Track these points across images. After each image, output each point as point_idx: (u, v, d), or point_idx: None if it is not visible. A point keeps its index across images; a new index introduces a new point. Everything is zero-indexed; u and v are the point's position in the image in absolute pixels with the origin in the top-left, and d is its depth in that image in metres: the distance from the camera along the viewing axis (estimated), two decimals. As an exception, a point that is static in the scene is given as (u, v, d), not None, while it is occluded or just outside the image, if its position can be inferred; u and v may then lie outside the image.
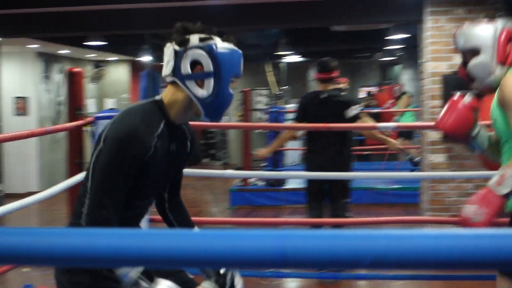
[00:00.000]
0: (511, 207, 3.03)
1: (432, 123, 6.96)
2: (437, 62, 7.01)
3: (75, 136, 4.67)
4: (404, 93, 12.42)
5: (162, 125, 2.55)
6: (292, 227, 7.24)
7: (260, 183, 10.18)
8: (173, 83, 2.58)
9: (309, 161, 6.01)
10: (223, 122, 17.54)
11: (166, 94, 2.64)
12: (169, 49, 2.59)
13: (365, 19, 8.28)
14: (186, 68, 2.51)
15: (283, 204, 9.62)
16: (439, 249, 0.76)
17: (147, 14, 7.91)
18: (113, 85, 15.55)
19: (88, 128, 4.45)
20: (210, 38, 2.59)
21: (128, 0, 7.19)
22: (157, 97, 2.65)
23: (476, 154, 3.95)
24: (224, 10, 7.69)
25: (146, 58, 12.20)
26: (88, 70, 14.67)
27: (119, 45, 12.84)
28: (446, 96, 6.96)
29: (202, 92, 2.52)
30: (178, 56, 2.54)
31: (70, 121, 4.66)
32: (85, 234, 0.95)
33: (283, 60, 14.85)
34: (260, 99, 16.26)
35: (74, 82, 4.81)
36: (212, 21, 8.40)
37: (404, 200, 9.52)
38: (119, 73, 15.61)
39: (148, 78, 11.03)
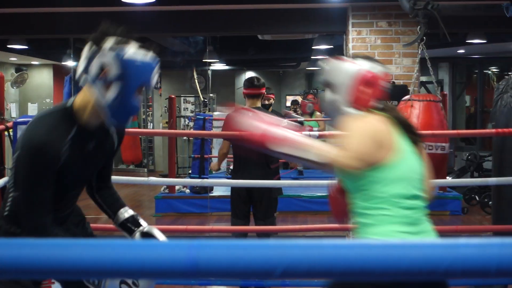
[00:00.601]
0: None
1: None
2: (361, 72, 7.14)
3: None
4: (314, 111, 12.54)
5: (74, 130, 2.55)
6: (216, 235, 7.25)
7: (187, 191, 10.15)
8: (87, 85, 2.55)
9: (236, 174, 6.01)
10: (149, 129, 17.43)
11: (79, 96, 2.61)
12: (86, 48, 2.55)
13: (291, 29, 8.36)
14: (94, 69, 2.48)
15: (208, 212, 9.61)
16: (347, 258, 0.78)
17: (71, 18, 7.80)
18: (36, 90, 15.25)
19: (9, 133, 4.36)
20: (125, 43, 2.54)
21: (51, 4, 7.07)
22: (69, 102, 2.62)
23: None
24: (151, 16, 7.65)
25: (70, 63, 12.00)
26: (9, 74, 14.36)
27: (42, 49, 12.60)
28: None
29: (107, 97, 2.49)
30: (91, 57, 2.51)
31: (-12, 126, 4.56)
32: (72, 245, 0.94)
33: (210, 68, 14.84)
34: (187, 106, 16.23)
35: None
36: (138, 27, 8.39)
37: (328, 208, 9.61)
38: (42, 77, 15.31)
39: (71, 83, 10.87)
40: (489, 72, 14.66)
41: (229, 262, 0.78)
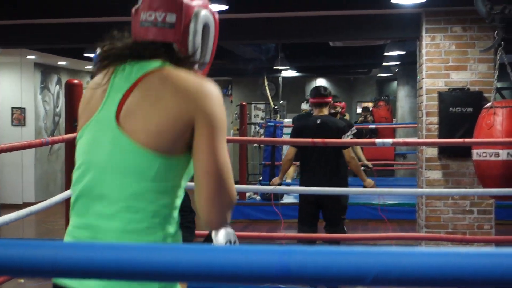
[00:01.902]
0: None
1: (430, 140, 7.01)
2: (433, 79, 7.03)
3: (73, 147, 4.67)
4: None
5: None
6: (288, 242, 7.24)
7: (258, 198, 10.18)
8: None
9: (305, 182, 6.01)
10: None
11: None
12: None
13: (363, 35, 8.31)
14: None
15: (279, 219, 9.62)
16: (440, 267, 0.77)
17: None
18: (111, 97, 15.57)
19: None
20: None
21: (125, 13, 7.20)
22: None
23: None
24: (223, 24, 7.71)
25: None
26: (85, 82, 14.69)
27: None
28: (442, 113, 7.00)
29: None
30: None
31: (67, 132, 4.66)
32: (78, 247, 0.95)
33: (281, 75, 14.87)
34: (257, 113, 16.29)
35: (72, 94, 4.81)
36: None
37: (401, 216, 9.53)
38: (117, 85, 15.63)
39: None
40: None
41: (320, 268, 0.78)
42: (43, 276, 0.90)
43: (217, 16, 2.25)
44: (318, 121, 5.92)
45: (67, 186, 4.64)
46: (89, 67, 14.13)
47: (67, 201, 4.49)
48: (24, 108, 12.29)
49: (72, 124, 4.72)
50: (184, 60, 2.00)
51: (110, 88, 1.96)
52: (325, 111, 6.04)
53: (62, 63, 12.98)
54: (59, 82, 13.35)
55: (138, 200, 1.88)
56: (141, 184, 1.87)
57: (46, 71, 12.89)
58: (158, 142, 1.85)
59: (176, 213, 2.01)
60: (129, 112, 1.90)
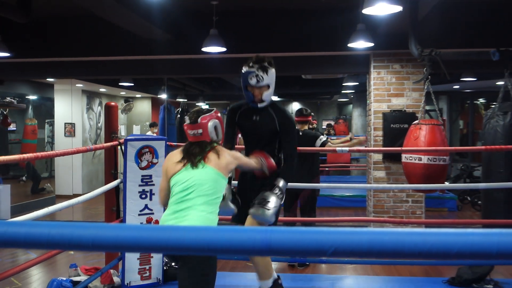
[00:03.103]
0: None
1: (376, 148, 7.04)
2: (379, 103, 7.07)
3: (111, 153, 4.67)
4: None
5: (243, 107, 3.72)
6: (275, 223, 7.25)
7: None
8: None
9: None
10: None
11: None
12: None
13: (327, 71, 8.36)
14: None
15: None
16: (383, 243, 0.78)
17: (165, 63, 7.95)
18: (138, 115, 15.58)
19: (121, 147, 4.45)
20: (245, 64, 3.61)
21: (150, 53, 7.23)
22: None
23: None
24: (223, 61, 7.75)
25: (164, 96, 12.21)
26: (120, 104, 14.69)
27: (143, 85, 12.89)
28: (385, 128, 7.03)
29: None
30: None
31: (107, 141, 4.66)
32: (113, 228, 0.95)
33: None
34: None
35: (110, 113, 4.81)
36: (213, 69, 8.39)
37: (355, 204, 9.55)
38: (143, 107, 15.64)
39: (164, 110, 11.04)
40: (478, 102, 14.40)
41: (293, 244, 0.79)
42: (88, 250, 0.90)
43: (220, 115, 3.22)
44: (300, 133, 6.06)
45: (106, 182, 4.63)
46: (123, 93, 14.14)
47: (106, 193, 4.49)
48: (74, 123, 12.31)
49: (110, 135, 4.71)
50: (216, 143, 3.13)
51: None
52: (306, 127, 6.21)
53: (102, 90, 13.00)
54: (100, 104, 13.38)
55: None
56: None
57: (90, 95, 12.91)
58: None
59: None
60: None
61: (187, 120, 3.13)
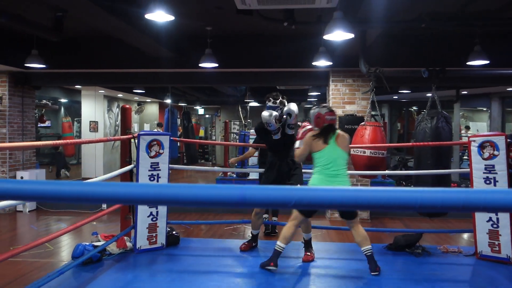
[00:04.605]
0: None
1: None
2: (336, 108, 7.13)
3: (126, 145, 4.65)
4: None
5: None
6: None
7: (234, 175, 10.17)
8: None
9: (263, 164, 6.00)
10: (213, 141, 17.30)
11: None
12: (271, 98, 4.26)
13: (296, 83, 8.39)
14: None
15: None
16: (330, 197, 0.79)
17: (169, 75, 7.91)
18: (148, 116, 15.45)
19: (134, 141, 4.43)
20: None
21: (157, 67, 7.19)
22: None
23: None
24: (215, 75, 7.74)
25: (168, 101, 12.15)
26: (134, 107, 14.56)
27: (152, 92, 12.80)
28: (341, 128, 7.08)
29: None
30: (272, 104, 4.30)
31: (123, 135, 4.64)
32: (122, 185, 0.95)
33: (249, 105, 14.87)
34: (235, 127, 16.28)
35: (125, 113, 4.78)
36: (207, 81, 8.33)
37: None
38: (152, 109, 15.51)
39: (169, 113, 10.99)
40: (412, 109, 14.55)
41: (264, 197, 0.80)
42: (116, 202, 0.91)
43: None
44: None
45: (122, 167, 4.60)
46: (136, 98, 14.02)
47: (121, 176, 4.47)
48: (97, 121, 12.17)
49: (125, 131, 4.68)
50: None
51: None
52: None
53: (119, 95, 12.86)
54: (118, 106, 13.22)
55: None
56: None
57: (110, 99, 12.77)
58: None
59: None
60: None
61: (325, 109, 3.83)
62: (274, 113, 4.09)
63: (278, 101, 4.25)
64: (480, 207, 0.78)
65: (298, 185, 4.03)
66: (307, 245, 4.32)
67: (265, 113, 4.18)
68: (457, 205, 0.77)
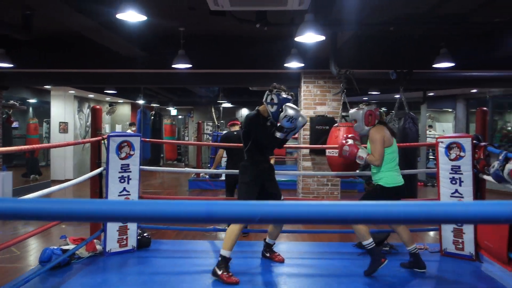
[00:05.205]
0: (377, 182, 3.65)
1: (304, 145, 7.11)
2: (307, 110, 7.16)
3: (96, 146, 4.53)
4: None
5: (260, 118, 3.69)
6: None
7: (207, 176, 10.10)
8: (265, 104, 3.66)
9: (230, 167, 6.06)
10: (186, 141, 17.17)
11: (262, 107, 3.72)
12: (267, 92, 3.68)
13: (269, 84, 8.38)
14: (269, 99, 3.64)
15: (219, 189, 9.57)
16: (294, 212, 0.77)
17: (142, 75, 7.78)
18: (120, 117, 15.17)
19: (104, 142, 4.32)
20: (283, 91, 3.65)
21: (131, 67, 7.06)
22: (257, 108, 3.74)
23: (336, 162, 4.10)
24: (189, 75, 7.65)
25: (140, 101, 11.96)
26: (105, 107, 14.28)
27: (124, 93, 12.57)
28: (312, 129, 7.12)
29: (271, 109, 3.63)
30: (268, 95, 3.66)
31: (93, 137, 4.51)
32: (91, 203, 0.92)
33: (222, 105, 14.81)
34: (208, 127, 16.19)
35: (95, 114, 4.66)
36: (181, 81, 8.25)
37: (288, 187, 9.64)
38: (124, 110, 15.24)
39: (141, 113, 10.81)
40: (381, 111, 14.77)
41: (229, 213, 0.78)
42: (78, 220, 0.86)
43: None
44: (235, 133, 6.01)
45: (92, 169, 4.48)
46: (107, 98, 13.75)
47: (91, 178, 4.35)
48: (67, 122, 11.88)
49: (95, 132, 4.56)
50: None
51: None
52: (237, 128, 6.13)
53: (90, 95, 12.59)
54: (89, 107, 12.96)
55: None
56: None
57: (81, 100, 12.48)
58: None
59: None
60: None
61: (373, 106, 3.76)
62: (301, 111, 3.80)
63: (290, 94, 3.66)
64: (421, 219, 0.78)
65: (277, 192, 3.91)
66: (271, 246, 4.16)
67: (292, 109, 3.52)
68: (398, 218, 0.77)
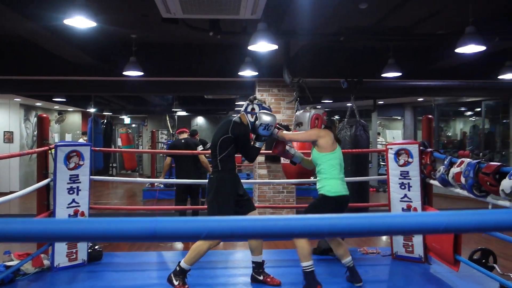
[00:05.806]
0: (319, 190, 3.46)
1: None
2: (263, 118, 7.20)
3: (42, 156, 4.32)
4: None
5: None
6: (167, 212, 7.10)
7: (161, 185, 9.90)
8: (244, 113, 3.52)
9: (179, 175, 6.00)
10: (140, 149, 16.82)
11: (242, 116, 3.53)
12: (246, 101, 3.59)
13: (223, 92, 8.36)
14: (249, 109, 3.54)
15: (172, 198, 9.40)
16: (241, 227, 0.75)
17: (92, 83, 7.54)
18: (70, 126, 14.62)
19: (51, 152, 4.13)
20: (263, 103, 3.58)
21: (80, 74, 6.83)
22: (236, 118, 3.50)
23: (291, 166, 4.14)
24: (141, 83, 7.50)
25: (91, 110, 11.58)
26: (54, 116, 13.73)
27: (74, 101, 12.14)
28: (267, 137, 7.16)
29: (251, 119, 3.51)
30: (248, 104, 3.55)
31: (39, 147, 4.31)
32: (37, 222, 0.86)
33: (176, 114, 14.62)
34: (162, 136, 15.93)
35: (42, 123, 4.46)
36: (133, 90, 8.05)
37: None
38: (74, 118, 14.71)
39: (92, 122, 10.46)
40: (334, 118, 15.11)
41: (174, 230, 0.74)
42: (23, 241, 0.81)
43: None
44: (183, 141, 5.97)
45: (38, 181, 4.27)
46: (56, 107, 13.24)
47: (38, 190, 4.14)
48: (12, 132, 11.31)
49: (42, 142, 4.36)
50: None
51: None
52: (185, 135, 6.18)
53: (38, 104, 12.07)
54: (36, 115, 12.42)
55: None
56: None
57: (27, 108, 11.94)
58: None
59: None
60: None
61: (321, 110, 3.64)
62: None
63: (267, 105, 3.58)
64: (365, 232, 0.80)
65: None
66: (261, 266, 3.64)
67: (267, 115, 3.45)
68: (339, 232, 0.78)
